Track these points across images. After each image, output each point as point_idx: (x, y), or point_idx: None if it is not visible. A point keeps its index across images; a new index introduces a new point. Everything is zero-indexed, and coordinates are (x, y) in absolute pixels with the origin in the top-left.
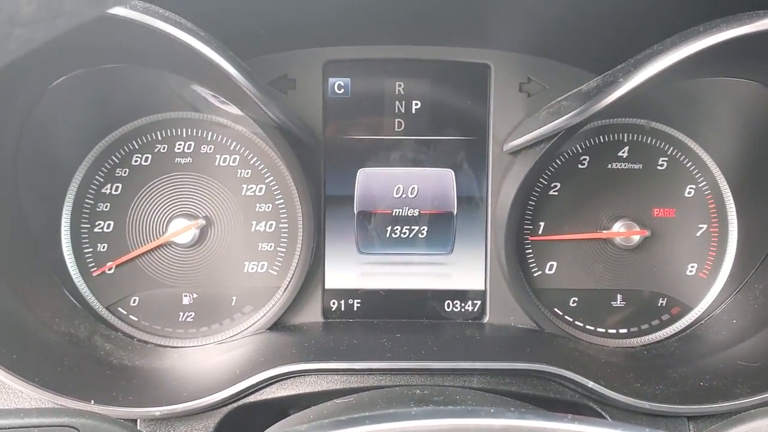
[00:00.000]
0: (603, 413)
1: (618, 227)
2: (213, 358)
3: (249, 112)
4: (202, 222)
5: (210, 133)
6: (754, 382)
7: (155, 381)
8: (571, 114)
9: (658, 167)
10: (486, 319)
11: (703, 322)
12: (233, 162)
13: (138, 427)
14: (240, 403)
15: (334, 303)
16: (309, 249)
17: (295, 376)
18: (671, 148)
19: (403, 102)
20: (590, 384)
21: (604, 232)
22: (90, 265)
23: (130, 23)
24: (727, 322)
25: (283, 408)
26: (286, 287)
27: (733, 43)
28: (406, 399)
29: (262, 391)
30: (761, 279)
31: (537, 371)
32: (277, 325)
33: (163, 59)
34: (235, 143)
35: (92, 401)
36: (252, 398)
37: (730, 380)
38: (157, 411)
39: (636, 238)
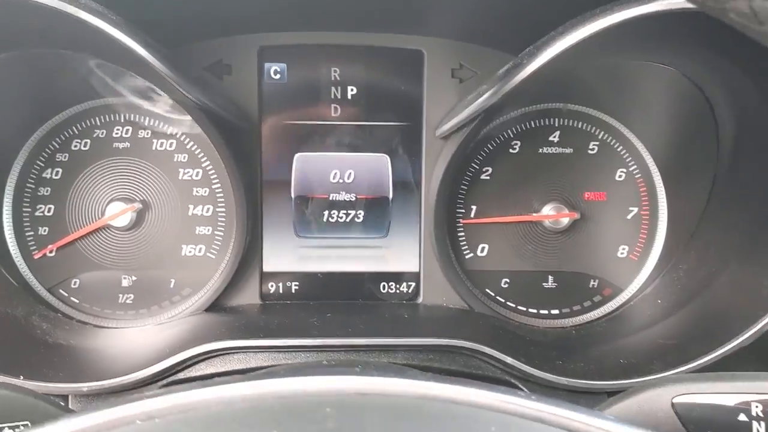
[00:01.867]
0: (523, 389)
1: (548, 210)
2: (147, 338)
3: (175, 97)
4: (138, 206)
5: (147, 118)
6: (668, 358)
7: (89, 359)
8: (484, 97)
9: (589, 151)
10: (420, 300)
11: (632, 303)
12: (170, 147)
13: (69, 404)
14: (169, 380)
15: (272, 285)
16: (243, 233)
17: (223, 354)
18: (602, 132)
19: (339, 88)
20: (509, 360)
21: (535, 215)
22: (31, 248)
23: (36, 6)
24: (652, 302)
25: None
26: (223, 270)
27: (628, 26)
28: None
29: (191, 369)
30: (685, 260)
31: (457, 347)
32: (215, 307)
33: (84, 44)
34: (171, 128)
35: (21, 377)
36: (182, 375)
37: (647, 357)
38: (85, 387)
39: (565, 220)
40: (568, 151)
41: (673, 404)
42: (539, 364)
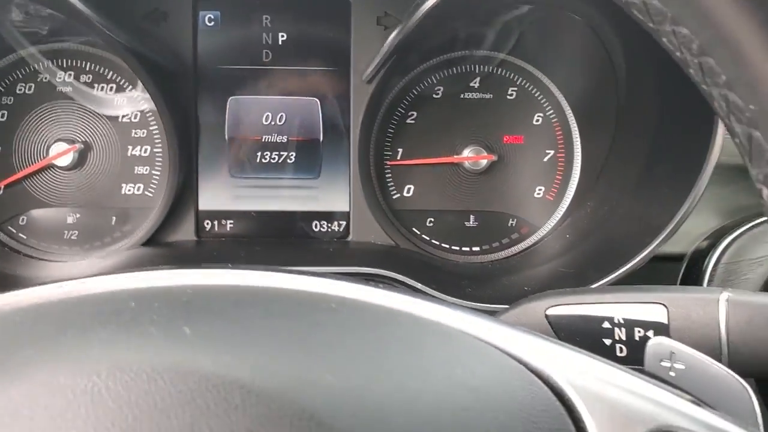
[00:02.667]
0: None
1: (468, 152)
2: (87, 269)
3: (111, 43)
4: (80, 146)
5: (88, 63)
6: (566, 283)
7: (26, 286)
8: (393, 34)
9: (508, 97)
10: (350, 238)
11: (545, 239)
12: (110, 91)
13: None
14: None
15: (207, 223)
16: (176, 173)
17: None
18: (520, 78)
19: (270, 34)
20: (419, 285)
21: (456, 156)
22: None
23: None
24: (562, 237)
25: None
26: (159, 208)
27: None
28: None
29: None
30: (592, 197)
31: (373, 275)
32: (152, 242)
33: None
34: (112, 73)
35: None
36: None
37: (548, 284)
38: None
39: (484, 162)
40: (488, 96)
41: (546, 315)
42: (449, 290)
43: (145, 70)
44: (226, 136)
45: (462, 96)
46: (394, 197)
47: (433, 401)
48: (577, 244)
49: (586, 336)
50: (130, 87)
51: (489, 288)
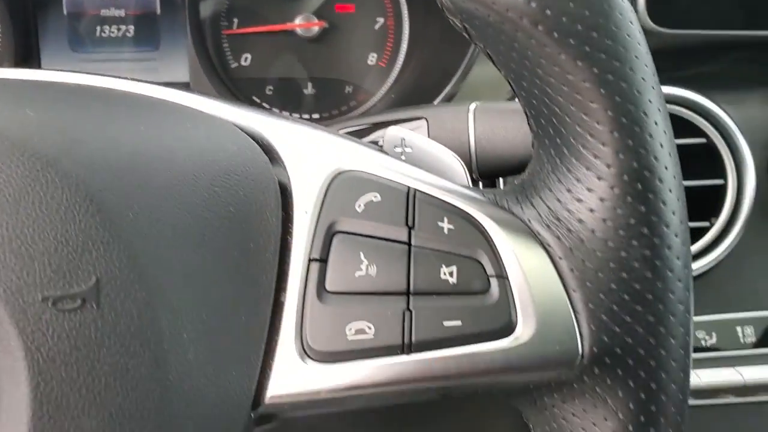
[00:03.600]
0: None
1: (300, 20)
2: None
3: None
4: None
5: None
6: None
7: None
8: None
9: None
10: None
11: (377, 104)
12: None
13: None
14: None
15: None
16: (12, 50)
17: None
18: None
19: None
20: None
21: (288, 24)
22: None
23: None
24: (388, 99)
25: None
26: None
27: None
28: None
29: None
30: (414, 58)
31: None
32: None
33: None
34: None
35: None
36: None
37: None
38: None
39: (315, 29)
40: None
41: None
42: None
43: None
44: (65, 11)
45: None
46: (233, 66)
47: (166, 159)
48: (396, 102)
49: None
50: None
51: None
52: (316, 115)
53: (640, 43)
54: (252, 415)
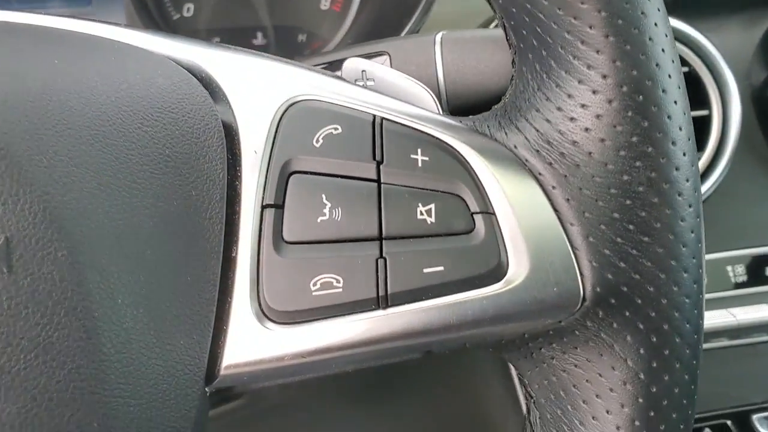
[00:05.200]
0: None
1: None
2: None
3: None
4: None
5: None
6: None
7: None
8: None
9: None
10: None
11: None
12: None
13: None
14: None
15: None
16: None
17: None
18: None
19: None
20: None
21: None
22: None
23: None
24: (344, 45)
25: None
26: None
27: None
28: None
29: None
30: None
31: None
32: None
33: None
34: None
35: None
36: None
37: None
38: None
39: None
40: None
41: None
42: None
43: None
44: None
45: None
46: (174, 18)
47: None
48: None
49: None
50: None
51: None
52: None
53: None
54: (207, 390)
